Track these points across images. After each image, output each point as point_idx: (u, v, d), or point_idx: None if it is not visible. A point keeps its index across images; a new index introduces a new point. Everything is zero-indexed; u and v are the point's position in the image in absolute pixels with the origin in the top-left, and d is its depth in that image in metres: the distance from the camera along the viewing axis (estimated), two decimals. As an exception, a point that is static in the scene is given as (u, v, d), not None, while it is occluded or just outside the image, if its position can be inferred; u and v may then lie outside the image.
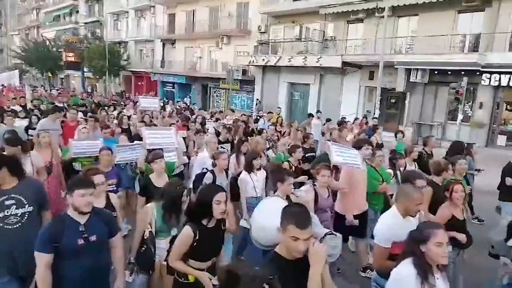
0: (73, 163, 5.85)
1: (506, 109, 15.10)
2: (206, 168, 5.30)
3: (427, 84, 16.12)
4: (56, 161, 5.76)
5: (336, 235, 3.22)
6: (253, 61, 22.27)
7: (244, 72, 23.58)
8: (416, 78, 15.71)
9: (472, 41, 15.39)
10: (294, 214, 2.19)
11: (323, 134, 10.91)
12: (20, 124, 8.88)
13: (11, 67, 46.15)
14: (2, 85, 24.68)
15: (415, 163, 6.67)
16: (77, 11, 44.36)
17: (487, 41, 14.44)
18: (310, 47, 20.44)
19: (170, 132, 5.86)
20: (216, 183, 4.73)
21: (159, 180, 4.46)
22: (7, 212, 3.12)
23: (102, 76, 34.47)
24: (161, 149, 5.28)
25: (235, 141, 7.51)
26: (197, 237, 2.85)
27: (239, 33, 24.04)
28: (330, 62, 18.32)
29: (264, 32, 22.53)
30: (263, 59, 21.47)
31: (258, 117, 15.03)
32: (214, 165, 5.09)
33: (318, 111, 14.55)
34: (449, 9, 15.31)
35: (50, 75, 43.62)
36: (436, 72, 15.48)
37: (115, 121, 10.12)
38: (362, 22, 18.31)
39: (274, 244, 2.39)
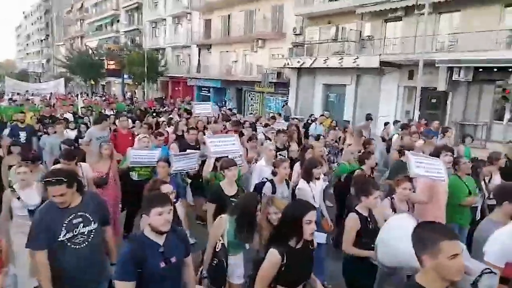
0: (130, 173, 5.89)
1: (560, 107, 14.15)
2: (266, 178, 5.04)
3: (471, 82, 15.41)
4: (113, 172, 5.73)
5: (495, 273, 2.54)
6: (288, 64, 22.24)
7: (279, 75, 23.60)
8: (459, 76, 15.04)
9: (520, 37, 14.57)
10: (441, 229, 1.88)
11: (383, 139, 10.05)
12: (69, 135, 9.01)
13: (57, 75, 48.75)
14: (51, 93, 26.04)
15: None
16: (118, 20, 46.27)
17: (537, 36, 13.62)
18: (346, 47, 20.14)
19: (233, 139, 5.73)
20: (277, 193, 4.59)
21: (229, 188, 4.35)
22: (75, 232, 2.96)
23: (141, 82, 35.68)
24: (227, 156, 5.16)
25: (291, 148, 7.22)
26: (285, 261, 2.57)
27: (274, 36, 24.13)
28: (367, 62, 17.96)
29: (299, 34, 22.47)
30: (298, 61, 21.39)
31: (309, 121, 14.14)
32: (274, 174, 4.85)
33: (326, 111, 14.09)
34: (494, 3, 14.61)
35: (92, 82, 45.72)
36: (480, 70, 14.75)
37: (167, 128, 9.77)
38: (401, 20, 17.84)
39: (395, 266, 2.33)
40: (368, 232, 3.48)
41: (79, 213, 2.99)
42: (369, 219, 3.58)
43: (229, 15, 28.35)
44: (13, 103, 17.24)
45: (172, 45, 35.59)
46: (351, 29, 19.76)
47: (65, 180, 2.86)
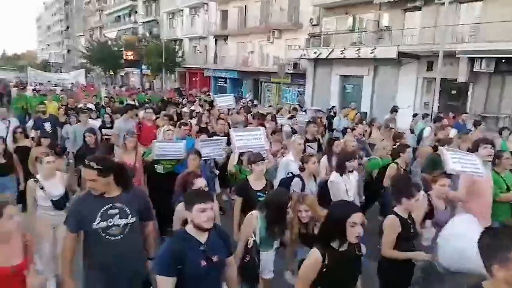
0: (155, 166, 5.80)
1: None
2: (292, 173, 4.95)
3: (492, 73, 15.03)
4: (139, 164, 5.79)
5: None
6: (304, 55, 22.10)
7: (296, 65, 23.48)
8: (480, 67, 14.69)
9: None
10: None
11: (411, 131, 9.53)
12: (93, 124, 8.90)
13: (77, 66, 49.67)
14: (72, 83, 26.56)
15: None
16: (136, 12, 46.65)
17: None
18: (363, 38, 19.87)
19: (260, 133, 5.51)
20: (306, 190, 4.49)
21: (257, 183, 4.30)
22: (110, 222, 2.87)
23: (159, 73, 36.06)
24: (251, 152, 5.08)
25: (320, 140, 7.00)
26: (326, 262, 2.46)
27: (290, 26, 23.95)
28: (385, 53, 17.69)
29: (316, 25, 22.25)
30: (315, 52, 21.22)
31: (333, 114, 13.60)
32: (302, 169, 4.73)
33: (352, 102, 13.44)
34: (518, -9, 14.14)
35: (112, 73, 46.44)
36: (503, 61, 14.38)
37: (191, 120, 9.50)
38: (420, 10, 17.45)
39: (457, 270, 2.30)
40: (409, 236, 3.35)
41: (116, 204, 2.91)
42: (409, 222, 3.39)
43: (245, 6, 28.24)
44: (37, 93, 17.13)
45: (189, 36, 35.76)
46: (368, 20, 19.44)
47: (96, 167, 2.81)
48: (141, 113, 9.46)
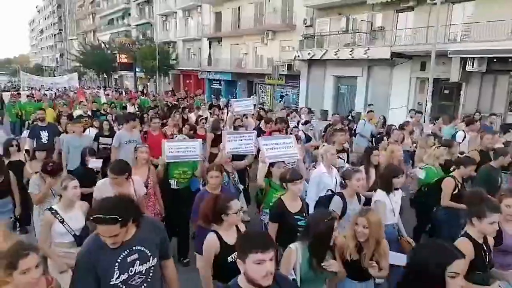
0: (169, 180, 5.05)
1: None
2: (331, 190, 4.36)
3: (484, 73, 15.16)
4: (153, 182, 4.85)
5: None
6: (298, 56, 22.15)
7: (290, 67, 23.55)
8: (472, 67, 14.81)
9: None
10: None
11: (435, 136, 7.79)
12: (90, 132, 8.21)
13: (70, 70, 49.44)
14: (65, 87, 26.38)
15: None
16: (129, 14, 46.53)
17: (553, 25, 13.31)
18: (357, 39, 19.96)
19: (290, 141, 4.89)
20: (348, 210, 3.85)
21: (293, 204, 3.68)
22: (131, 271, 2.36)
23: (153, 75, 35.97)
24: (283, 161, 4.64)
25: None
26: None
27: (284, 28, 24.01)
28: (378, 53, 17.79)
29: (309, 26, 22.32)
30: (309, 53, 21.29)
31: (350, 118, 12.53)
32: (343, 186, 4.18)
33: (369, 105, 12.83)
34: (509, -9, 14.28)
35: (105, 76, 46.26)
36: (495, 60, 14.50)
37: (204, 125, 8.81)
38: (413, 10, 17.58)
39: None
40: (483, 264, 2.83)
41: (134, 248, 2.37)
42: (484, 248, 2.88)
43: (239, 7, 28.27)
44: (32, 99, 16.17)
45: (183, 38, 35.72)
46: (362, 20, 19.55)
47: (121, 218, 2.17)
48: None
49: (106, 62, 42.09)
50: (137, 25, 44.28)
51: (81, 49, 45.06)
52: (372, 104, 14.98)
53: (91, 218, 2.18)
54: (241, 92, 29.03)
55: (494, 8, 14.48)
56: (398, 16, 18.54)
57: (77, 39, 62.88)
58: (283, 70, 23.20)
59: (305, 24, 22.32)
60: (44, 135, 7.65)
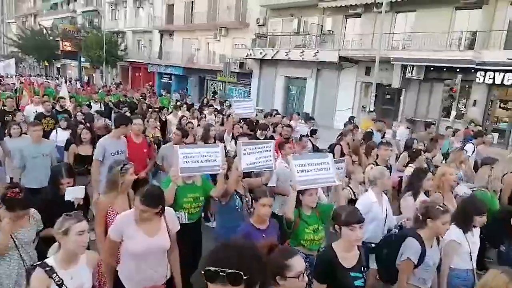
0: (177, 213, 3.42)
1: (500, 107, 15.22)
2: (400, 226, 3.64)
3: (422, 80, 16.22)
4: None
5: None
6: (250, 54, 22.25)
7: (242, 65, 23.59)
8: (411, 74, 15.79)
9: (468, 39, 15.46)
10: None
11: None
12: (61, 137, 6.70)
13: (7, 55, 45.82)
14: (3, 74, 24.26)
15: None
16: (75, 0, 43.99)
17: (483, 39, 14.52)
18: (308, 41, 20.45)
19: (327, 161, 3.64)
20: (426, 258, 3.01)
21: (348, 255, 2.65)
22: None
23: (99, 66, 34.34)
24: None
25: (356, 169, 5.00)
26: None
27: (237, 25, 23.99)
28: (327, 56, 18.36)
29: (262, 25, 22.51)
30: (261, 52, 21.47)
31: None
32: (420, 222, 3.16)
33: (370, 111, 11.45)
34: (446, 5, 15.37)
35: (46, 64, 43.40)
36: (431, 69, 15.56)
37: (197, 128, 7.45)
38: (360, 17, 18.34)
39: None
40: None
41: None
42: None
43: (192, 1, 27.80)
44: None
45: (132, 29, 34.41)
46: (312, 23, 20.06)
47: (247, 277, 1.33)
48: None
49: (47, 48, 39.44)
50: (83, 12, 41.94)
51: (19, 34, 41.92)
52: (373, 112, 13.05)
53: (202, 272, 1.35)
54: (192, 88, 28.61)
55: (433, 20, 15.52)
56: (346, 21, 19.26)
57: (15, 22, 58.36)
58: (235, 68, 23.19)
59: (258, 23, 22.48)
60: None
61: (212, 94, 24.93)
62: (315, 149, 6.91)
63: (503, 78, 13.81)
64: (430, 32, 15.17)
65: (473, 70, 14.21)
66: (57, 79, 30.92)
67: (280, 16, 21.77)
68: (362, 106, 18.31)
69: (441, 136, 7.91)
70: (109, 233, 2.82)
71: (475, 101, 15.06)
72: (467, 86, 14.94)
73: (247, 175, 4.40)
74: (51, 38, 39.97)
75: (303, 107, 20.42)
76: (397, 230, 3.62)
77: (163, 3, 30.63)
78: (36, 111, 8.76)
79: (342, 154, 6.43)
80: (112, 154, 4.80)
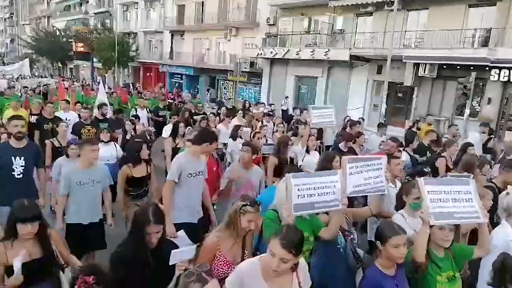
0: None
1: (515, 104, 14.96)
2: None
3: (435, 78, 16.03)
4: None
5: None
6: (261, 54, 22.26)
7: (252, 64, 23.62)
8: (424, 72, 15.62)
9: (482, 36, 15.21)
10: None
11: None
12: (109, 153, 5.56)
13: (22, 56, 46.63)
14: (12, 76, 24.62)
15: None
16: (87, 1, 44.55)
17: (497, 36, 14.28)
18: (318, 40, 20.37)
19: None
20: None
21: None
22: None
23: (111, 67, 34.74)
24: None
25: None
26: None
27: (247, 25, 24.02)
28: (338, 55, 18.27)
29: (272, 25, 22.49)
30: (271, 52, 21.45)
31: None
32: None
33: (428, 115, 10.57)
34: (459, 3, 15.16)
35: (60, 65, 44.08)
36: (444, 67, 15.37)
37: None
38: (371, 15, 18.20)
39: None
40: None
41: None
42: None
43: (202, 2, 27.91)
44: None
45: (144, 30, 34.71)
46: (323, 22, 19.98)
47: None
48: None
49: (61, 50, 40.05)
50: (95, 14, 42.44)
51: (33, 35, 42.63)
52: (432, 115, 12.41)
53: None
54: (203, 87, 28.75)
55: (446, 17, 15.32)
56: (357, 20, 19.13)
57: (29, 24, 59.37)
58: (245, 67, 23.22)
59: (268, 22, 22.46)
60: (19, 164, 4.19)
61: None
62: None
63: (519, 75, 13.57)
64: (443, 30, 14.98)
65: (487, 68, 13.99)
66: (73, 81, 31.22)
67: (290, 15, 21.72)
68: (374, 105, 18.19)
69: None
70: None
71: (489, 99, 14.82)
72: (481, 84, 14.72)
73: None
74: (64, 39, 40.56)
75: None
76: None
77: (173, 3, 30.81)
78: (67, 119, 7.27)
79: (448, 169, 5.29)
80: (189, 176, 3.88)
